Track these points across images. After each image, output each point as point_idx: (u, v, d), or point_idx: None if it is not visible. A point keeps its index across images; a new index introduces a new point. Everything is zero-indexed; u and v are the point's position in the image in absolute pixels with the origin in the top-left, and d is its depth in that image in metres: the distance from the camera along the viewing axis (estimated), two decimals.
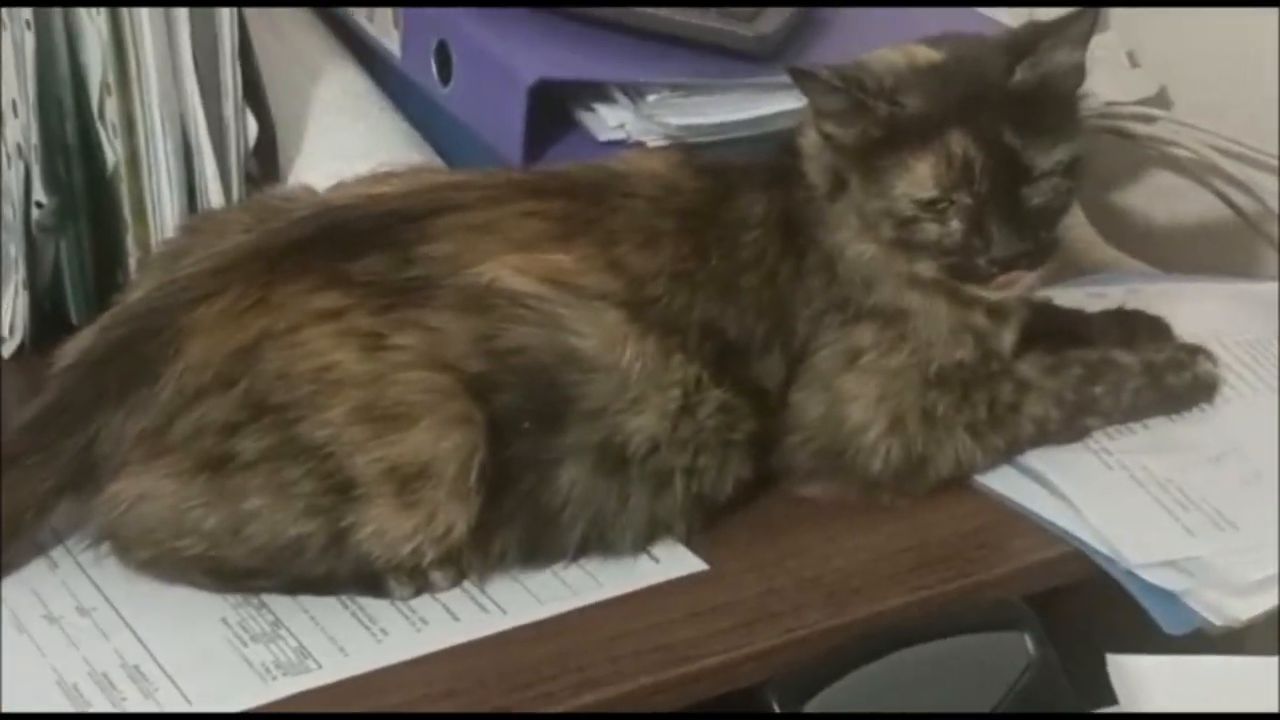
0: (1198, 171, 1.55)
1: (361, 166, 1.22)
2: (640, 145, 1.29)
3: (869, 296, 1.16)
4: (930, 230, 1.13)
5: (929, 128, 1.12)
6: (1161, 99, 1.59)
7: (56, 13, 1.26)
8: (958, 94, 1.13)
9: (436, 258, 1.11)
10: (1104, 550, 1.15)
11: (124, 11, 1.26)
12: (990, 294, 1.16)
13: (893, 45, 1.18)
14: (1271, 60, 1.51)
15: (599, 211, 1.14)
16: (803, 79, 1.14)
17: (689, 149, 1.24)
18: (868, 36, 1.31)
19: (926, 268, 1.15)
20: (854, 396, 1.16)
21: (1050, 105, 1.14)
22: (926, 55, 1.16)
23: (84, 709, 1.03)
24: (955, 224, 1.13)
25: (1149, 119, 1.57)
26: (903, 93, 1.13)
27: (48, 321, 1.32)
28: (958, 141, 1.12)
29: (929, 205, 1.13)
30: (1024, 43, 1.15)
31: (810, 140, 1.17)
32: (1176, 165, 1.57)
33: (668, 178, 1.17)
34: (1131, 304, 1.32)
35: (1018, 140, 1.12)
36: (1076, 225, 1.53)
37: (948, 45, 1.17)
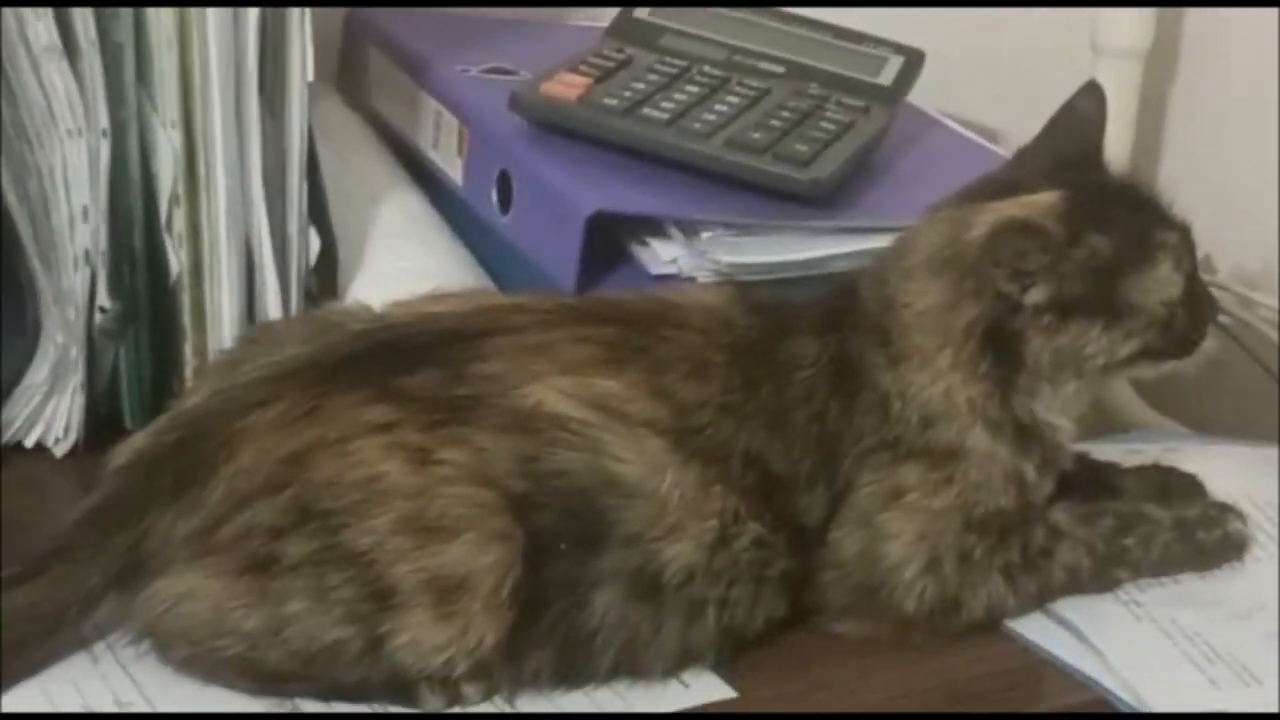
0: (1238, 336, 1.56)
1: (418, 289, 1.23)
2: (692, 280, 1.31)
3: (922, 436, 1.17)
4: (1181, 318, 1.20)
5: (1139, 238, 1.18)
6: (1206, 265, 1.61)
7: (132, 123, 1.28)
8: (1126, 202, 1.20)
9: (487, 377, 1.13)
10: (1130, 700, 1.15)
11: (198, 125, 1.29)
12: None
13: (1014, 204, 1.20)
14: None
15: (650, 340, 1.16)
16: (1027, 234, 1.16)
17: (743, 286, 1.25)
18: (922, 184, 1.34)
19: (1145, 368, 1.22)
20: (893, 534, 1.17)
21: None
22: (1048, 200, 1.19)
23: None
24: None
25: None
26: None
27: (102, 424, 1.33)
28: (1164, 235, 1.19)
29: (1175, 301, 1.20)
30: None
31: (885, 293, 1.19)
32: (1216, 330, 1.58)
33: (722, 312, 1.19)
34: (1166, 461, 1.34)
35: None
36: (1117, 385, 1.55)
37: (1060, 182, 1.20)
